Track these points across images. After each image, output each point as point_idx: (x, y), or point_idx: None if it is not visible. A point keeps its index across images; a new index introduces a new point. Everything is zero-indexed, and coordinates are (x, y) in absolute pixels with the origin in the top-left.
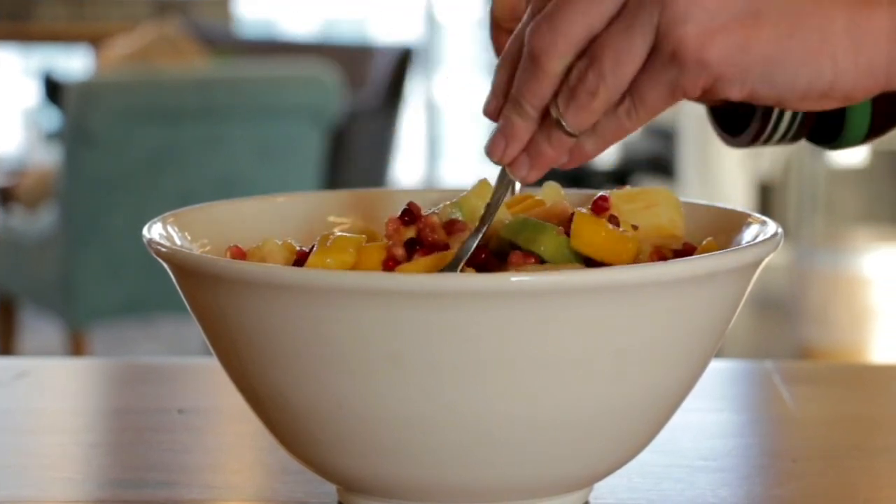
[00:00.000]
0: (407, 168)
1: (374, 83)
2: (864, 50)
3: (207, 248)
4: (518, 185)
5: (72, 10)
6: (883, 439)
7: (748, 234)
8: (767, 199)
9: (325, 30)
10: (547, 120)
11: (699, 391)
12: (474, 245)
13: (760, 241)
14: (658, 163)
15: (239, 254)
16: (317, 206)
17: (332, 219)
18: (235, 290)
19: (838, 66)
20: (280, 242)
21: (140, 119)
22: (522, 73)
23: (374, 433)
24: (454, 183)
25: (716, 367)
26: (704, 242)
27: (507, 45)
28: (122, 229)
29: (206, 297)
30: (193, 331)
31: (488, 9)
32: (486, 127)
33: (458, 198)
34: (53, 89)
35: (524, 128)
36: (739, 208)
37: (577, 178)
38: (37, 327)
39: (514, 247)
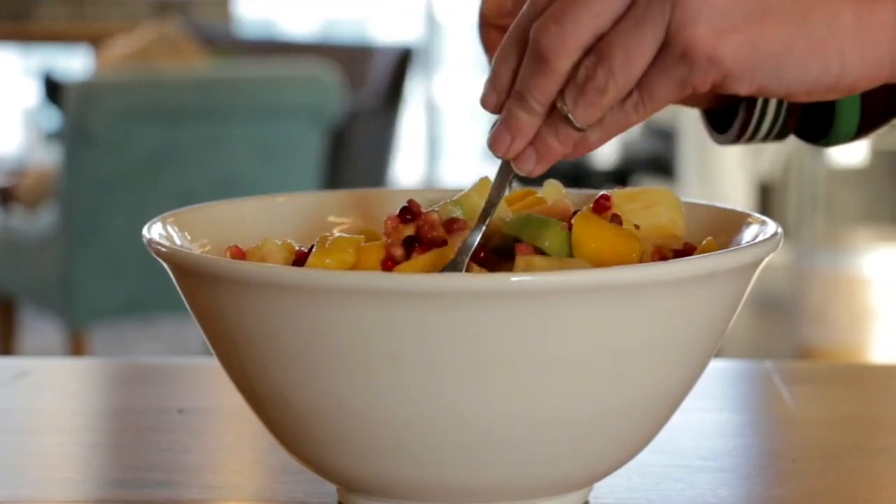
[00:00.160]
0: (407, 168)
1: (374, 83)
2: (870, 43)
3: (207, 248)
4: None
5: (72, 10)
6: (883, 439)
7: (748, 234)
8: (767, 198)
9: (325, 30)
10: (553, 114)
11: (699, 391)
12: (477, 240)
13: (760, 241)
14: (658, 163)
15: (239, 254)
16: (317, 206)
17: (331, 219)
18: (235, 290)
19: (845, 60)
20: (280, 242)
21: (140, 119)
22: (528, 70)
23: (374, 433)
24: (454, 183)
25: (716, 367)
26: (704, 242)
27: (504, 39)
28: (122, 229)
29: (205, 297)
30: (193, 331)
31: (477, 7)
32: (485, 127)
33: (459, 196)
34: (53, 89)
35: (530, 123)
36: (739, 208)
37: (576, 177)
38: (37, 327)
39: (518, 243)
